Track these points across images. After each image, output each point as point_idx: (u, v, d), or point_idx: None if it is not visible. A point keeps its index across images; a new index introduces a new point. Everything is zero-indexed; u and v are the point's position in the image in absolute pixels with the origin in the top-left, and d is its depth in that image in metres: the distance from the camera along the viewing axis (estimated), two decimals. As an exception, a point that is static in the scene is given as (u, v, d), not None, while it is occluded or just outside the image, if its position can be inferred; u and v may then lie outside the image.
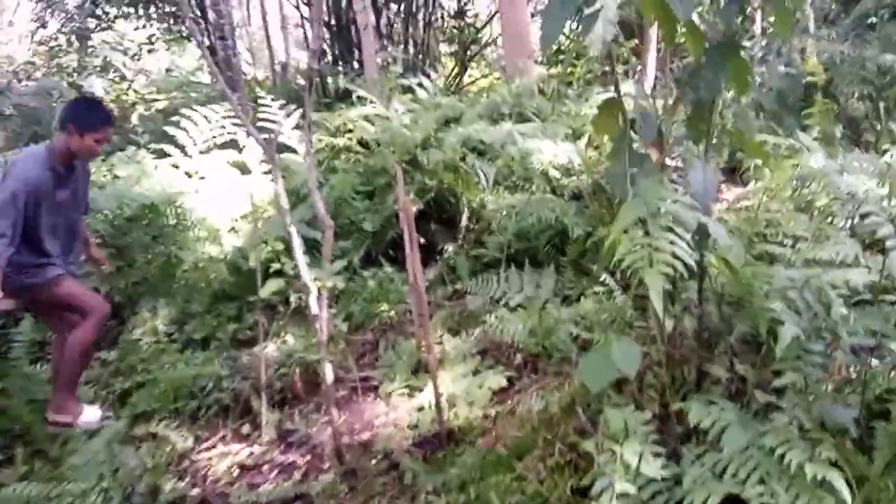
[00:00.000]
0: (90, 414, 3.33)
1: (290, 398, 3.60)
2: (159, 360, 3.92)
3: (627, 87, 8.08)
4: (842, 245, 2.68)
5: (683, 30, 2.02)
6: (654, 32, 10.26)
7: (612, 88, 7.06)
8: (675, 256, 1.82)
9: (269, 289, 3.22)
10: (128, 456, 3.02)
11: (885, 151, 4.26)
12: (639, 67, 10.32)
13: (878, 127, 5.41)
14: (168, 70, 9.39)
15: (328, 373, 2.86)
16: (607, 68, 9.79)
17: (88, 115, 3.16)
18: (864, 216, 2.68)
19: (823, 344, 2.15)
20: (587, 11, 1.81)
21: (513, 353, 3.55)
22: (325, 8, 10.79)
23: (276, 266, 3.67)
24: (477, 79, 12.23)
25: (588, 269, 4.36)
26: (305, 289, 2.86)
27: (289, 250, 3.83)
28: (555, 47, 10.93)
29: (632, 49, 10.27)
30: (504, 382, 3.26)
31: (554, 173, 5.43)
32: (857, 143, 5.33)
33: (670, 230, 1.87)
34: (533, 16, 9.92)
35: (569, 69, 10.28)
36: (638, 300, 3.61)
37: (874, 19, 6.45)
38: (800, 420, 1.98)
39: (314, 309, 2.83)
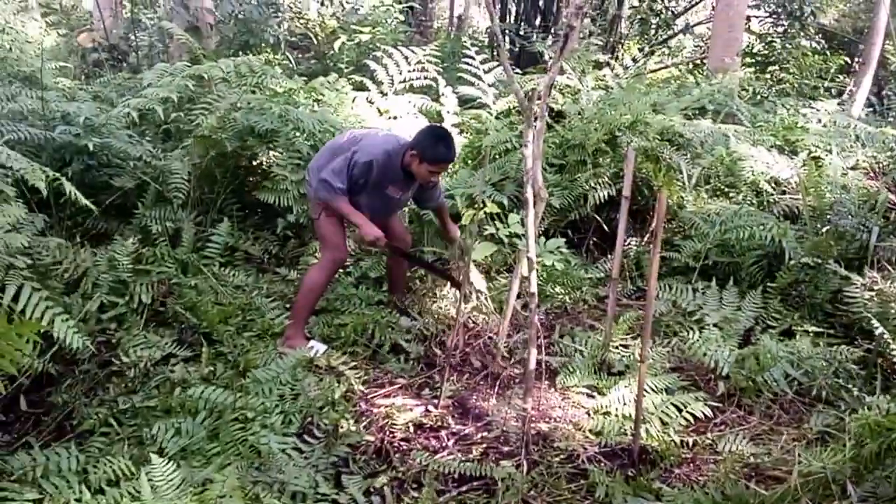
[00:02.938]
0: (317, 347, 3.37)
1: (462, 365, 3.47)
2: (334, 291, 3.90)
3: (830, 105, 7.35)
4: None
5: None
6: (876, 50, 9.25)
7: (818, 104, 6.34)
8: None
9: (482, 252, 3.05)
10: (309, 384, 2.99)
11: None
12: (850, 87, 9.39)
13: None
14: (353, 4, 9.42)
15: (532, 356, 2.66)
16: (810, 80, 8.99)
17: (435, 149, 3.30)
18: None
19: None
20: None
21: (714, 380, 3.22)
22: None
23: (488, 229, 3.49)
24: (661, 67, 11.55)
25: (798, 301, 3.92)
26: (527, 261, 2.65)
27: (504, 215, 3.69)
28: (745, 49, 10.17)
29: (840, 65, 9.34)
30: (708, 412, 2.94)
31: (765, 186, 4.95)
32: None
33: None
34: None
35: (769, 75, 9.51)
36: (872, 357, 3.19)
37: None
38: None
39: (533, 286, 2.62)
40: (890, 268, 3.85)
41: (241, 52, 6.05)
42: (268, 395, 2.79)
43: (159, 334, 3.25)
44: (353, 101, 5.26)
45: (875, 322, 3.07)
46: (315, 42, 7.21)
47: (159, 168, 4.10)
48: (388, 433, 2.82)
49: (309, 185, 3.50)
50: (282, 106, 4.47)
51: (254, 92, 4.77)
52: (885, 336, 3.01)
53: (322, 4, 7.29)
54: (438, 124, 3.80)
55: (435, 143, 3.31)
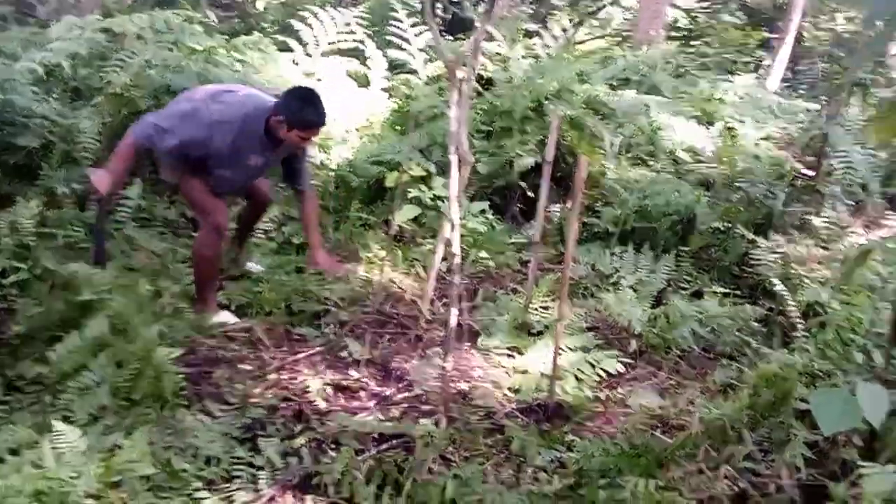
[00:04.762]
0: (226, 318, 3.28)
1: (384, 327, 3.48)
2: (252, 258, 3.82)
3: (747, 79, 7.65)
4: None
5: None
6: (793, 26, 9.63)
7: (736, 77, 6.58)
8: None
9: (405, 215, 3.05)
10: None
11: None
12: (768, 62, 9.74)
13: None
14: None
15: (453, 316, 2.68)
16: (730, 55, 9.30)
17: (302, 113, 3.00)
18: None
19: None
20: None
21: (627, 338, 3.34)
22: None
23: (412, 192, 3.48)
24: (590, 38, 11.69)
25: (708, 264, 4.10)
26: (449, 223, 2.66)
27: (428, 178, 3.68)
28: (671, 23, 10.42)
29: (760, 40, 9.69)
30: (620, 368, 3.06)
31: (682, 155, 5.11)
32: None
33: None
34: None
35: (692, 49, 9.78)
36: (773, 316, 3.37)
37: None
38: None
39: (456, 248, 2.64)
40: (793, 232, 4.06)
41: (158, 8, 5.77)
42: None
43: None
44: (277, 61, 5.12)
45: (775, 281, 3.24)
46: (238, 0, 6.96)
47: (67, 127, 3.90)
48: (306, 396, 2.80)
49: (154, 145, 3.10)
50: (201, 64, 4.30)
51: (171, 49, 4.57)
52: (785, 295, 3.18)
53: (246, -39, 7.04)
54: (305, 85, 3.53)
55: (301, 106, 3.02)
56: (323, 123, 3.12)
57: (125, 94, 4.00)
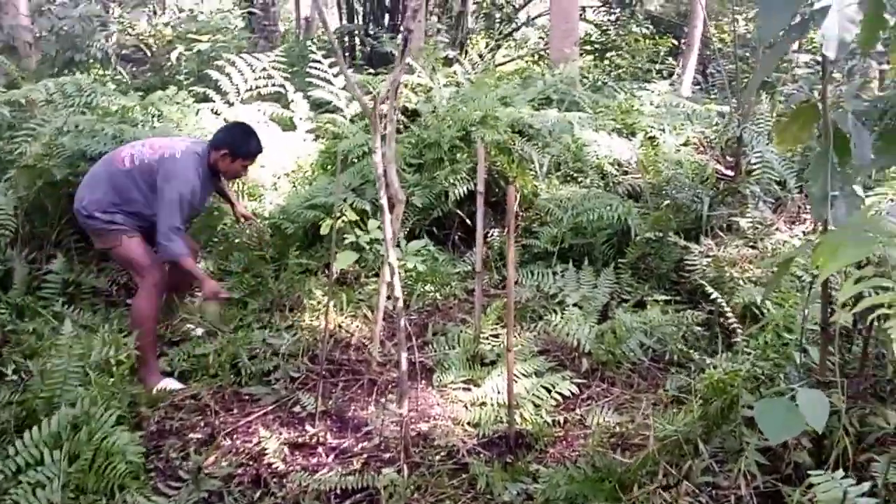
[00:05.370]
0: (171, 385, 3.21)
1: (337, 375, 3.42)
2: (193, 319, 3.71)
3: (662, 86, 7.95)
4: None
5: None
6: (698, 32, 10.07)
7: (651, 86, 6.79)
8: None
9: (343, 261, 3.01)
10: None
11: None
12: (678, 68, 10.16)
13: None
14: (190, 10, 9.00)
15: (403, 359, 2.66)
16: (643, 64, 9.66)
17: (246, 143, 3.38)
18: None
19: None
20: (817, 5, 1.59)
21: (578, 358, 3.38)
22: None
23: (349, 237, 3.45)
24: (508, 60, 11.95)
25: (647, 273, 4.20)
26: (388, 267, 2.65)
27: (362, 221, 3.65)
28: (584, 38, 10.79)
29: (668, 48, 10.11)
30: (574, 389, 3.09)
31: (609, 168, 5.24)
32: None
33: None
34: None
35: (607, 62, 10.11)
36: (714, 319, 3.47)
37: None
38: None
39: (398, 291, 2.62)
40: (722, 234, 4.21)
41: (66, 71, 5.59)
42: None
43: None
44: (198, 113, 5.02)
45: (709, 288, 3.35)
46: (150, 54, 6.81)
47: (-21, 205, 3.71)
48: (262, 459, 2.72)
49: (89, 213, 3.21)
50: (115, 126, 4.17)
51: (84, 113, 4.42)
52: (720, 300, 3.29)
53: (154, 14, 6.88)
54: (239, 122, 3.89)
55: (247, 138, 3.38)
56: (261, 151, 3.48)
57: (38, 164, 3.84)
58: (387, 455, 2.78)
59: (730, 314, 3.16)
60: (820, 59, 2.44)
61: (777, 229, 4.12)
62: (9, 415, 2.60)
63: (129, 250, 3.24)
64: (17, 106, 4.19)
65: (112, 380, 2.78)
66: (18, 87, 4.35)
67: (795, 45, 7.98)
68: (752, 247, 3.99)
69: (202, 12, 8.33)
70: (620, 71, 8.90)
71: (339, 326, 3.79)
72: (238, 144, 3.34)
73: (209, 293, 3.26)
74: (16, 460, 2.36)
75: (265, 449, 2.78)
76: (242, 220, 3.94)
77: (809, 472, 1.74)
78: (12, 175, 3.85)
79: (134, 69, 6.82)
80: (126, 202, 3.23)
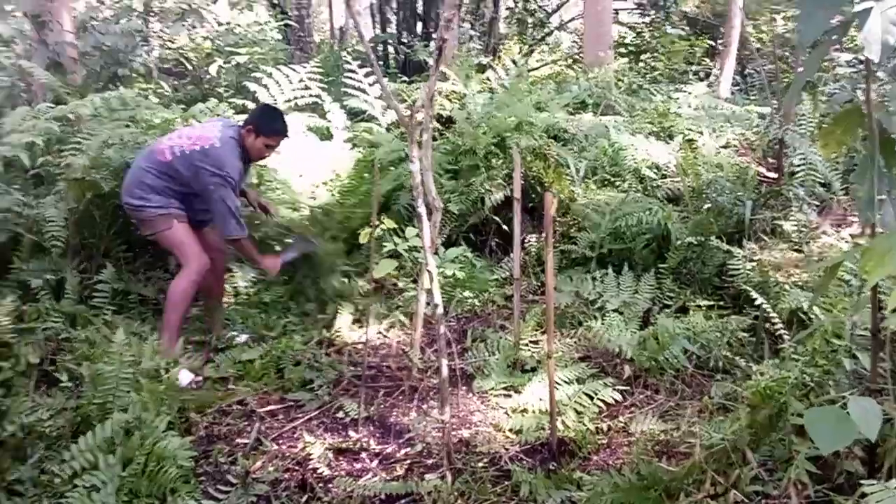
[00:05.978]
0: (184, 376, 3.24)
1: (378, 381, 3.45)
2: (235, 326, 3.80)
3: (699, 88, 7.85)
4: None
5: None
6: (735, 32, 9.94)
7: (688, 87, 6.69)
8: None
9: (383, 269, 3.04)
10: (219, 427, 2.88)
11: None
12: (716, 69, 10.02)
13: None
14: (227, 23, 9.19)
15: (444, 366, 2.68)
16: (679, 66, 9.54)
17: (272, 122, 3.53)
18: None
19: None
20: (857, 7, 1.57)
21: (620, 364, 3.36)
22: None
23: (388, 245, 3.48)
24: (542, 65, 11.92)
25: (689, 278, 4.15)
26: (427, 273, 2.67)
27: (400, 229, 3.68)
28: (618, 40, 10.69)
29: (705, 49, 9.97)
30: (618, 396, 3.06)
31: (647, 172, 5.19)
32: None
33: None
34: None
35: (642, 64, 10.01)
36: (759, 324, 3.41)
37: None
38: None
39: (437, 298, 2.64)
40: (765, 238, 4.14)
41: (110, 85, 5.75)
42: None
43: (52, 395, 3.04)
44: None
45: (753, 293, 3.29)
46: (190, 67, 6.97)
47: (32, 217, 3.83)
48: (308, 464, 2.76)
49: (141, 202, 3.44)
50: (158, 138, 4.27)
51: (128, 126, 4.54)
52: (765, 305, 3.23)
53: (193, 27, 7.04)
54: (268, 104, 4.12)
55: (273, 118, 3.55)
56: (287, 134, 3.60)
57: (86, 177, 3.95)
58: (429, 461, 2.79)
59: (776, 319, 3.10)
60: (862, 58, 2.40)
61: (823, 232, 4.04)
62: (64, 420, 2.68)
63: (179, 234, 3.45)
64: (64, 121, 4.32)
65: (162, 386, 2.84)
66: (65, 103, 4.47)
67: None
68: (797, 250, 3.91)
69: (239, 25, 8.50)
70: (656, 73, 8.80)
71: (380, 333, 3.82)
72: (263, 122, 3.49)
73: (272, 270, 3.67)
74: (72, 465, 2.44)
75: (310, 454, 2.82)
76: (258, 208, 3.98)
77: (862, 481, 1.70)
78: (61, 188, 3.97)
79: (175, 82, 6.99)
80: (171, 191, 3.44)
